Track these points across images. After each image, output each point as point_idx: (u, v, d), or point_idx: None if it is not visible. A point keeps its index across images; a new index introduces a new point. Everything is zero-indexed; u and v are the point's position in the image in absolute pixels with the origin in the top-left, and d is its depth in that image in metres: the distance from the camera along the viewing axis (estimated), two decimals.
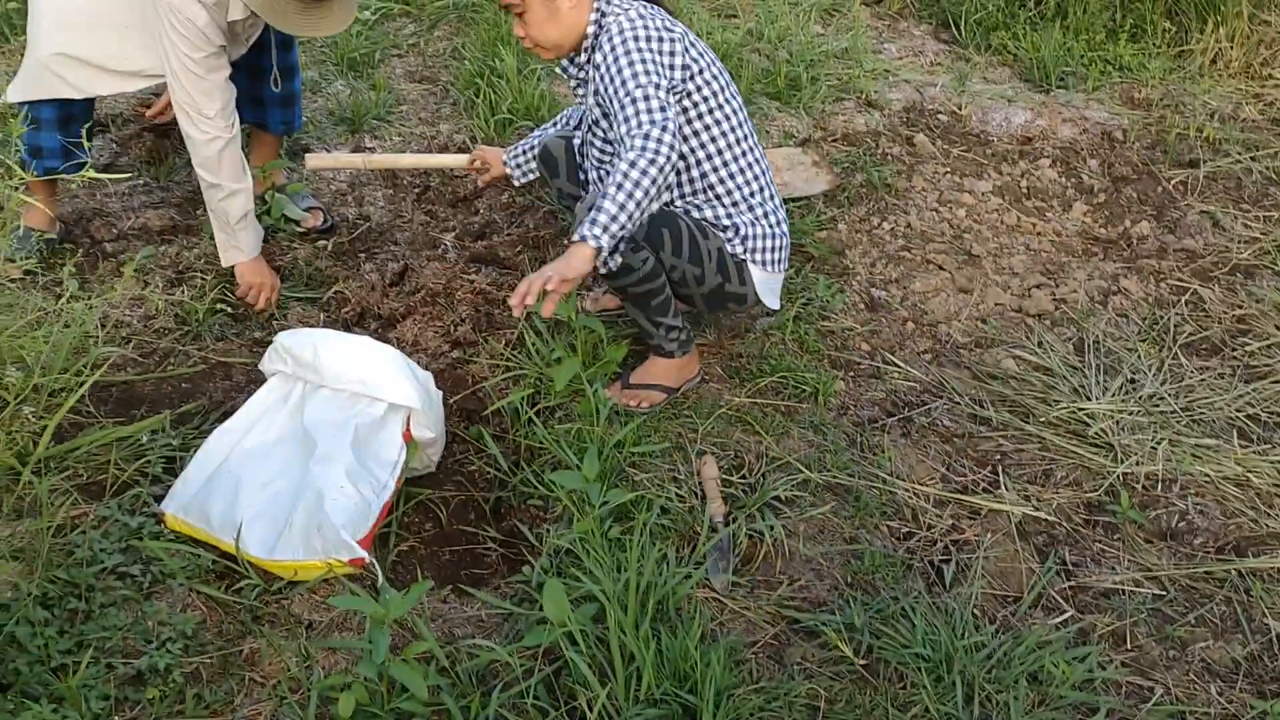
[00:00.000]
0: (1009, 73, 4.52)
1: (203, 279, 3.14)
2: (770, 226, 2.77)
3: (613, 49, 2.55)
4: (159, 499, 2.45)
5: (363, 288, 3.20)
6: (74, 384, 2.61)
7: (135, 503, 2.46)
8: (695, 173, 2.72)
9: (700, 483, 2.58)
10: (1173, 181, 3.87)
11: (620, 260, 2.59)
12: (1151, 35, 4.59)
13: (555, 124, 3.16)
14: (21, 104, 3.01)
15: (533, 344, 2.91)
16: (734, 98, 2.73)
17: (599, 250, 2.35)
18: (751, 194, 2.75)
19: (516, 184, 3.20)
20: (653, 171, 2.38)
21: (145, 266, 3.16)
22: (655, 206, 2.46)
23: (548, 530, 2.50)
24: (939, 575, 2.46)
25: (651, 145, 2.40)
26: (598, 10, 2.63)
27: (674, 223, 2.66)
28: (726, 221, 2.73)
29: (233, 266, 3.08)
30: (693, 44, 2.66)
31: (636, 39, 2.55)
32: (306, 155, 3.34)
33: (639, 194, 2.37)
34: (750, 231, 2.74)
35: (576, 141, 2.96)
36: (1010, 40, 4.60)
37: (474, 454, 2.75)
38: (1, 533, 2.35)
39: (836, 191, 3.70)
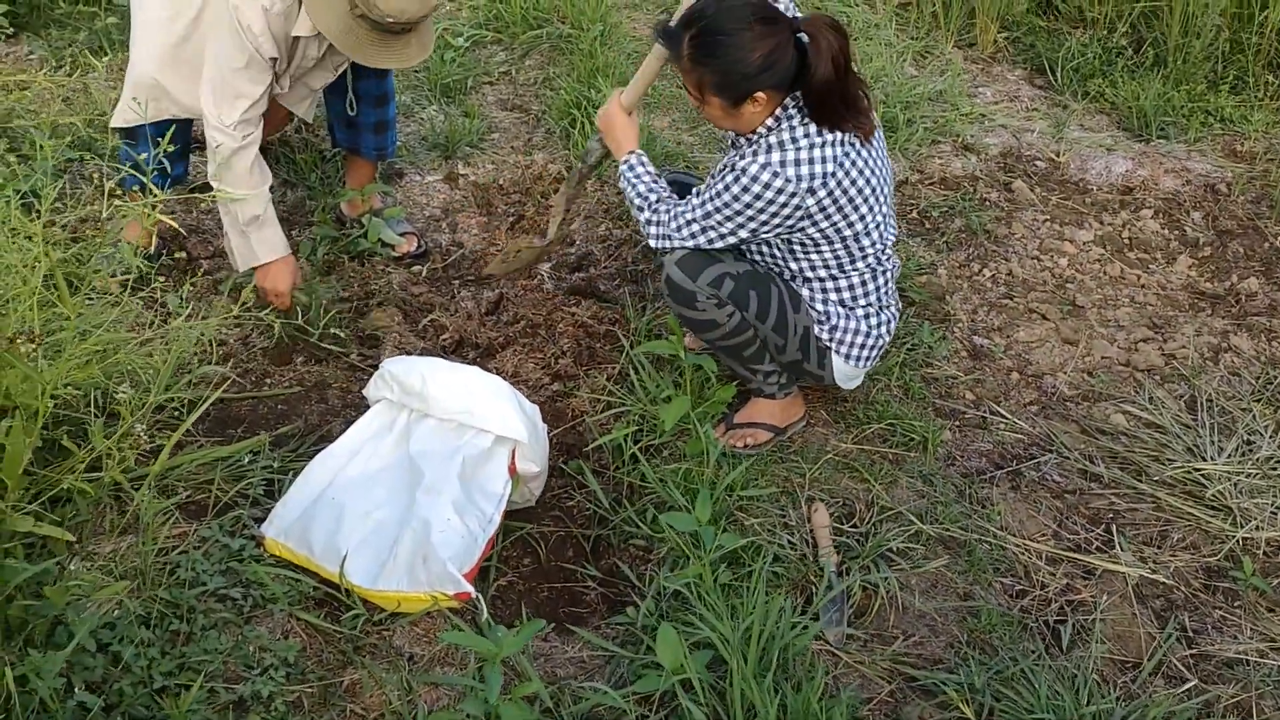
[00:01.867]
0: (1107, 120, 4.43)
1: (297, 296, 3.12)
2: (870, 326, 2.68)
3: (736, 179, 2.43)
4: (259, 521, 2.43)
5: (459, 316, 3.17)
6: (179, 401, 2.59)
7: (236, 524, 2.43)
8: (800, 276, 2.65)
9: (812, 530, 2.51)
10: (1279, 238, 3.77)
11: (705, 314, 2.56)
12: (1254, 88, 4.49)
13: None
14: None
15: (637, 379, 2.86)
16: (871, 217, 2.55)
17: (622, 163, 2.75)
18: (855, 299, 2.66)
19: None
20: (639, 214, 2.68)
21: (240, 284, 3.15)
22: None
23: (652, 571, 2.44)
24: (1055, 636, 2.38)
25: (663, 222, 2.61)
26: (774, 117, 2.46)
27: (766, 287, 2.58)
28: (821, 307, 2.65)
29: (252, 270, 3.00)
30: (839, 182, 2.44)
31: (757, 196, 2.42)
32: None
33: (632, 195, 2.70)
34: (843, 325, 2.66)
35: None
36: (1108, 88, 4.51)
37: (574, 489, 2.70)
38: (104, 549, 2.33)
39: (935, 235, 3.64)
